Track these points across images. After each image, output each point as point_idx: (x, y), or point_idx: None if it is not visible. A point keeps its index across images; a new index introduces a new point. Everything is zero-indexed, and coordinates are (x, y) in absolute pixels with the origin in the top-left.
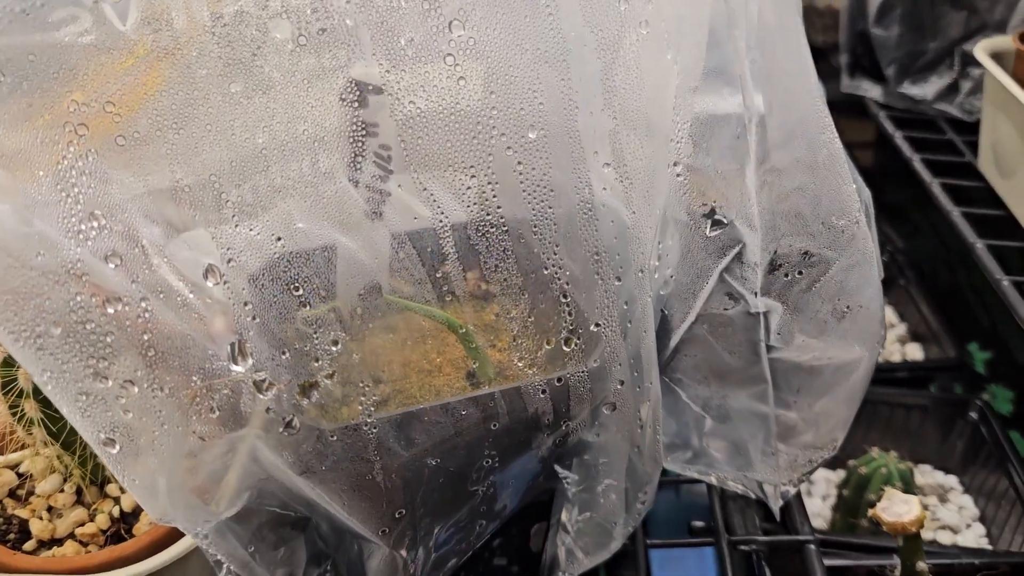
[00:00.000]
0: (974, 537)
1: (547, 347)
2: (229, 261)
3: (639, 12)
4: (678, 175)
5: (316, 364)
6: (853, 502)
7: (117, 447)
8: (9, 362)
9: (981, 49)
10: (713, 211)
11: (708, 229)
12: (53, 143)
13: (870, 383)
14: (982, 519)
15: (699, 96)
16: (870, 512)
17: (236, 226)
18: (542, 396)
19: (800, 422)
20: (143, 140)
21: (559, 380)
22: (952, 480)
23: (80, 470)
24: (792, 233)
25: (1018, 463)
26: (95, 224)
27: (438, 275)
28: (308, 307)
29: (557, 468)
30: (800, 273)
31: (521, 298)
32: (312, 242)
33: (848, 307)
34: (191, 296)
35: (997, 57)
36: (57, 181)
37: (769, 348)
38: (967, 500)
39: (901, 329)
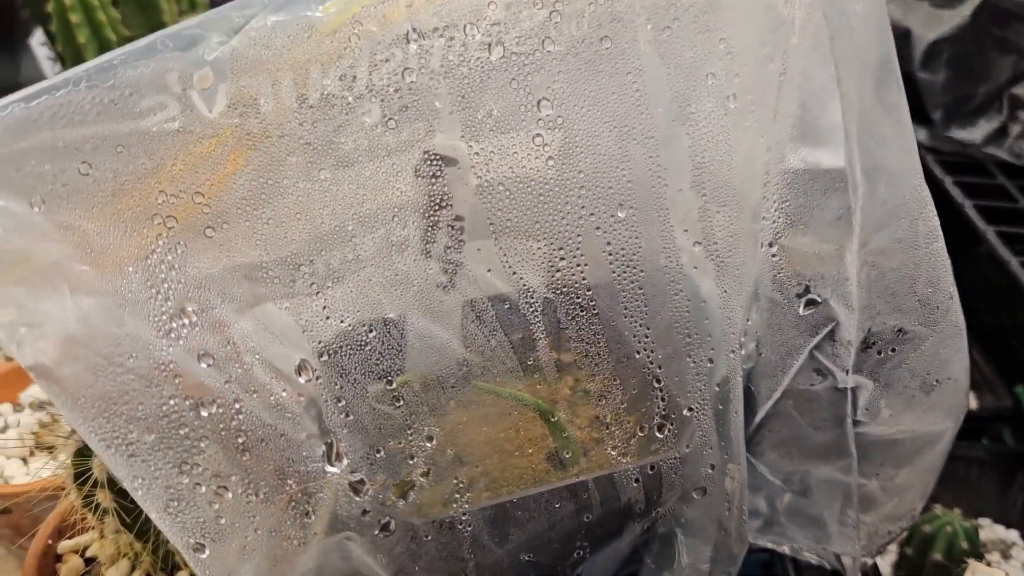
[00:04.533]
0: None
1: (640, 434)
2: (320, 356)
3: (726, 86)
4: (773, 255)
5: (411, 462)
6: (917, 561)
7: (207, 552)
8: (83, 452)
9: None
10: (808, 289)
11: (801, 308)
12: (142, 236)
13: None
14: None
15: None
16: None
17: (310, 298)
18: (635, 485)
19: (881, 493)
20: (229, 226)
21: (652, 468)
22: (1014, 535)
23: (151, 557)
24: (887, 311)
25: None
26: (186, 321)
27: (510, 345)
28: (391, 385)
29: (643, 552)
30: (893, 350)
31: (613, 384)
32: (406, 331)
33: (937, 380)
34: (284, 394)
35: None
36: (147, 277)
37: (855, 422)
38: None
39: None
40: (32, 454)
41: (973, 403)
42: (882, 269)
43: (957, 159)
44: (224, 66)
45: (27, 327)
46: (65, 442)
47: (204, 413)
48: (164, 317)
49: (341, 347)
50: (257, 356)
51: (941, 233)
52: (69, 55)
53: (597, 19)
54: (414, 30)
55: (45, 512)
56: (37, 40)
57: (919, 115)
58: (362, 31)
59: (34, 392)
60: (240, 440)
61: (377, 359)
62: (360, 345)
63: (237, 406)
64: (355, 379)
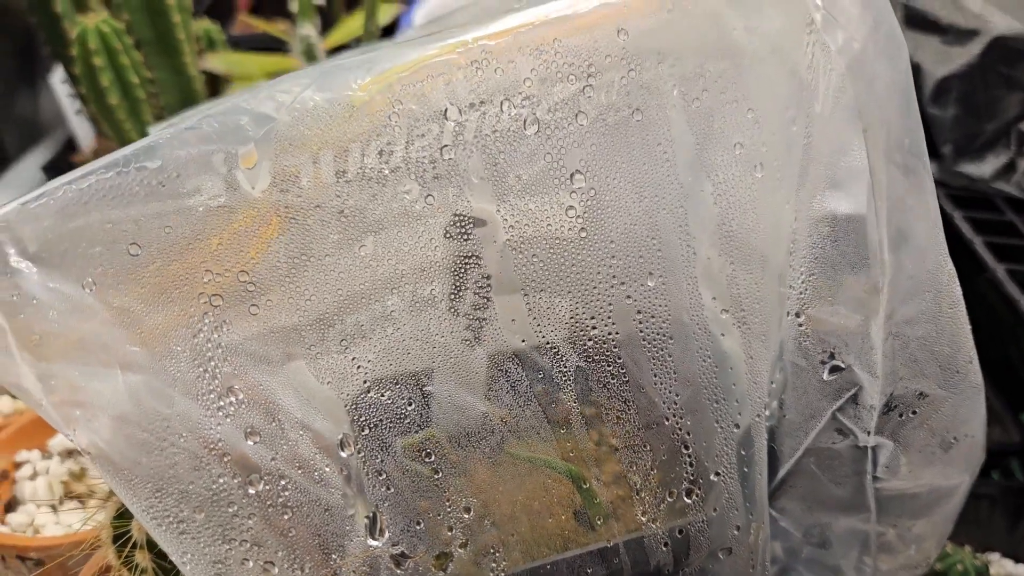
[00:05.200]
0: None
1: (669, 499)
2: (362, 430)
3: (754, 155)
4: (800, 324)
5: (450, 533)
6: None
7: None
8: (124, 515)
9: None
10: (832, 356)
11: (826, 374)
12: (188, 315)
13: None
14: None
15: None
16: None
17: (350, 371)
18: (664, 549)
19: (898, 542)
20: (271, 301)
21: (680, 532)
22: (1022, 569)
23: None
24: (910, 376)
25: None
26: (233, 400)
27: (544, 413)
28: (430, 458)
29: None
30: (914, 412)
31: (643, 450)
32: (443, 404)
33: (955, 438)
34: (327, 469)
35: None
36: (194, 356)
37: (874, 478)
38: None
39: None
40: (61, 502)
41: None
42: (906, 339)
43: (966, 194)
44: (268, 145)
45: (80, 408)
46: (103, 504)
47: (251, 491)
48: (212, 396)
49: (381, 420)
50: (302, 432)
51: (963, 300)
52: (92, 97)
53: (627, 89)
54: (452, 105)
55: (76, 565)
56: (58, 77)
57: (929, 150)
58: (402, 109)
59: (62, 440)
60: (286, 516)
61: (416, 432)
62: (400, 418)
63: (283, 482)
64: (395, 452)
